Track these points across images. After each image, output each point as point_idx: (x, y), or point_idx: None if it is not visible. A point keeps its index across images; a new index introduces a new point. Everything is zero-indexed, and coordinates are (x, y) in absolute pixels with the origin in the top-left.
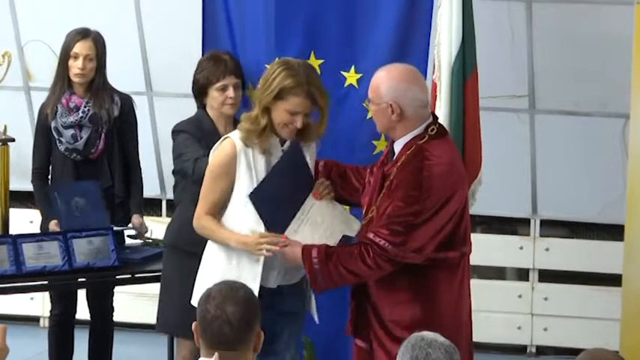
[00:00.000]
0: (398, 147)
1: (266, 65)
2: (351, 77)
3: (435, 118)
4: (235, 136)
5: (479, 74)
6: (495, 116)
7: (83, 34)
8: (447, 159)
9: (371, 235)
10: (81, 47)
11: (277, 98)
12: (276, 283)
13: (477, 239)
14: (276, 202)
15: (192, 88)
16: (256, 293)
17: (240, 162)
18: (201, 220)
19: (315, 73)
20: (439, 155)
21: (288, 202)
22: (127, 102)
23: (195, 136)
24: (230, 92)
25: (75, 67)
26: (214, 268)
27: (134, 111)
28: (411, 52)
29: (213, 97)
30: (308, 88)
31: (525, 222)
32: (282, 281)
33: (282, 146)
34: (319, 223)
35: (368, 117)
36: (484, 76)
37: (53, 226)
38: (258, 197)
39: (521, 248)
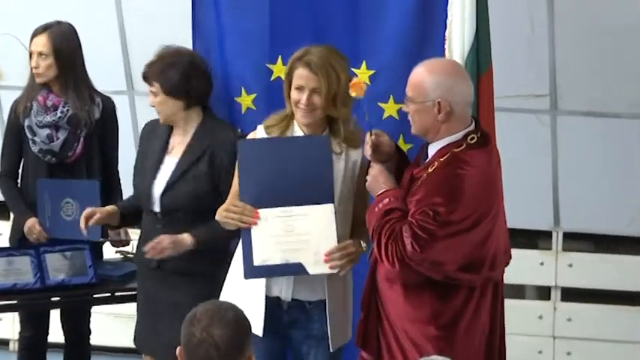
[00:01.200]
0: (432, 150)
1: (267, 65)
2: (363, 74)
3: (478, 124)
4: (260, 127)
5: (495, 71)
6: (512, 118)
7: (42, 28)
8: (482, 172)
9: (405, 227)
10: (35, 44)
11: (289, 80)
12: (288, 293)
13: None
14: (266, 171)
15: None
16: (262, 302)
17: None
18: (221, 211)
19: (327, 50)
20: (475, 166)
21: (280, 186)
22: (108, 104)
23: None
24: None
25: (31, 64)
26: (231, 272)
27: (116, 115)
28: (429, 44)
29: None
30: (309, 58)
31: (546, 235)
32: (299, 295)
33: None
34: (295, 234)
35: (384, 117)
36: (500, 72)
37: (31, 225)
38: (247, 148)
39: (541, 264)
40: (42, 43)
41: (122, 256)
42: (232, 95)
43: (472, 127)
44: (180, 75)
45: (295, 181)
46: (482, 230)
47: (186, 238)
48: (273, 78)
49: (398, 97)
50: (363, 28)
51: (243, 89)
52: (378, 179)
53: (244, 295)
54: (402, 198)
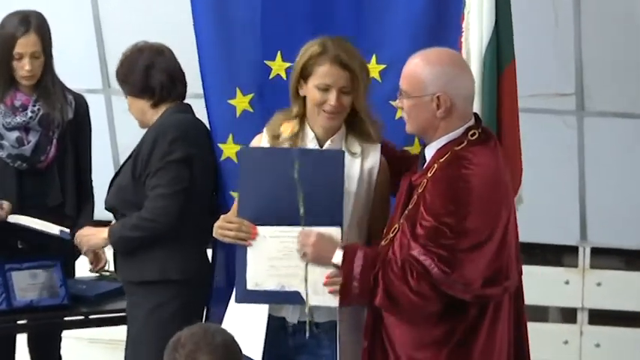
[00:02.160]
0: (430, 152)
1: (265, 62)
2: (373, 69)
3: (478, 119)
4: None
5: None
6: (534, 119)
7: (25, 26)
8: (489, 169)
9: (415, 252)
10: (25, 45)
11: (304, 76)
12: (295, 314)
13: None
14: (268, 185)
15: None
16: (264, 322)
17: None
18: (216, 227)
19: (347, 42)
20: (480, 164)
21: (283, 202)
22: (81, 103)
23: None
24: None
25: (21, 68)
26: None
27: (89, 114)
28: (445, 36)
29: None
30: (335, 52)
31: (572, 250)
32: (304, 316)
33: (320, 147)
34: (293, 257)
35: (397, 117)
36: (521, 70)
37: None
38: (248, 158)
39: (566, 283)
40: (33, 42)
41: (98, 274)
42: (225, 97)
43: (472, 122)
44: (140, 73)
45: (301, 199)
46: (498, 235)
47: (98, 232)
48: (271, 76)
49: None
50: (371, 18)
51: (237, 90)
52: (322, 246)
53: (246, 314)
54: (360, 247)
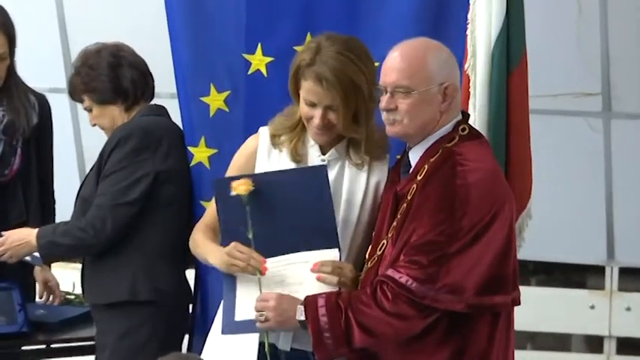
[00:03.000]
0: (416, 155)
1: (243, 55)
2: None
3: (465, 115)
4: (265, 129)
5: (530, 64)
6: (555, 122)
7: None
8: (486, 164)
9: (389, 272)
10: None
11: (296, 84)
12: (287, 340)
13: (532, 294)
14: (250, 215)
15: None
16: (254, 350)
17: (259, 162)
18: (194, 234)
19: (343, 53)
20: (475, 159)
21: (271, 231)
22: (44, 104)
23: None
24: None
25: None
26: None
27: (51, 116)
28: (446, 29)
29: None
30: (320, 69)
31: (598, 271)
32: (300, 343)
33: (322, 155)
34: (286, 284)
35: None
36: (540, 66)
37: None
38: (224, 189)
39: (592, 307)
40: (1, 43)
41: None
42: (197, 94)
43: (460, 115)
44: (107, 75)
45: (288, 225)
46: (496, 234)
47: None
48: (250, 71)
49: None
50: (365, 9)
51: (212, 86)
52: (283, 306)
53: (234, 342)
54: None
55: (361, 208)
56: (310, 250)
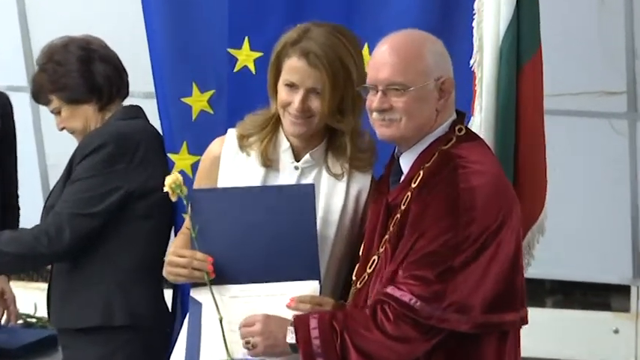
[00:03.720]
0: (408, 161)
1: (228, 51)
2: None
3: (459, 114)
4: (232, 131)
5: (545, 59)
6: (575, 124)
7: None
8: (490, 167)
9: (389, 289)
10: None
11: (277, 69)
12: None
13: (548, 317)
14: (226, 234)
15: None
16: None
17: (223, 168)
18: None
19: (334, 34)
20: (477, 161)
21: (247, 254)
22: (6, 104)
23: None
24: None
25: None
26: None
27: (14, 118)
28: (451, 20)
29: None
30: (308, 43)
31: (623, 291)
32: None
33: (296, 161)
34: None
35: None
36: (556, 62)
37: None
38: (202, 201)
39: (616, 332)
40: None
41: (22, 321)
42: (178, 95)
43: (454, 115)
44: (78, 71)
45: (264, 248)
46: (503, 243)
47: None
48: (237, 68)
49: None
50: (364, 3)
51: (194, 85)
52: (271, 330)
53: None
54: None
55: (339, 222)
56: (287, 280)
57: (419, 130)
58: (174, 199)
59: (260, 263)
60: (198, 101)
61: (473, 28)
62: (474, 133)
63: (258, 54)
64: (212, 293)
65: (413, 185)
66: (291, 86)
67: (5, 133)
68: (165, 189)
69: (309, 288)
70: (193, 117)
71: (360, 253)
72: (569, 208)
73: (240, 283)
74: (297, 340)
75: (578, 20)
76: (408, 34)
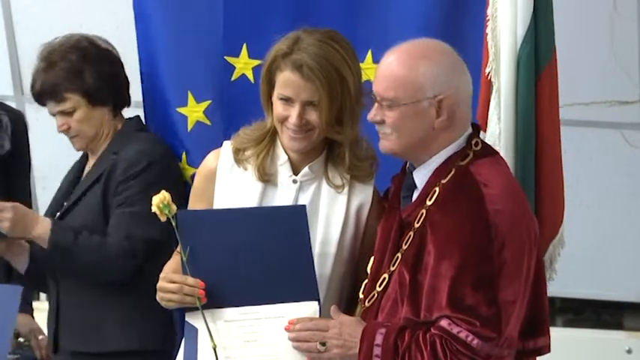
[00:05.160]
0: (423, 175)
1: (225, 58)
2: (368, 69)
3: (475, 128)
4: (228, 144)
5: (560, 68)
6: (587, 134)
7: None
8: (511, 185)
9: (444, 323)
10: None
11: (270, 82)
12: None
13: (558, 337)
14: (218, 256)
15: None
16: None
17: (219, 182)
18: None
19: (326, 42)
20: (497, 180)
21: (241, 276)
22: (20, 123)
23: None
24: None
25: None
26: None
27: (28, 138)
28: (460, 27)
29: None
30: (300, 55)
31: (637, 309)
32: None
33: (294, 175)
34: (259, 345)
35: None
36: (567, 71)
37: None
38: (189, 223)
39: (629, 352)
40: None
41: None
42: (173, 105)
43: (470, 129)
44: (94, 71)
45: (262, 270)
46: (533, 264)
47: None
48: (234, 77)
49: None
50: (364, 3)
51: (190, 95)
52: (348, 332)
53: None
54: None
55: (340, 238)
56: (285, 301)
57: (413, 147)
58: (163, 219)
59: (256, 285)
60: (193, 111)
61: (484, 34)
62: (490, 147)
63: (256, 62)
64: (205, 320)
65: (428, 202)
66: (287, 100)
67: (19, 152)
68: (153, 209)
69: (309, 309)
70: (189, 128)
71: (369, 270)
72: (582, 223)
73: (236, 306)
74: (359, 351)
75: (590, 27)
76: (413, 47)
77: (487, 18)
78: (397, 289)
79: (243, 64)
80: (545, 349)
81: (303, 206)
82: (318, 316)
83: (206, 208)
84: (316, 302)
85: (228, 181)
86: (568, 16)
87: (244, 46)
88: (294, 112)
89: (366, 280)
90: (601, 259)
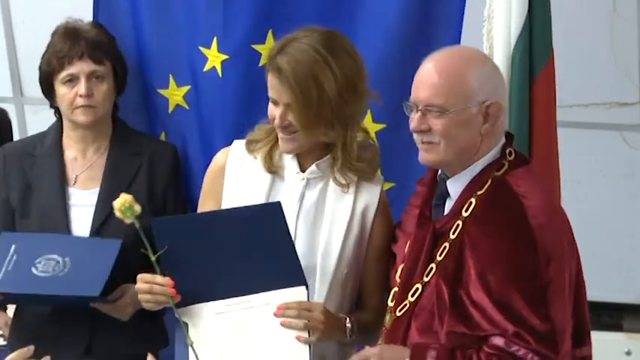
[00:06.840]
0: (457, 186)
1: (200, 48)
2: None
3: (509, 136)
4: (236, 143)
5: (557, 68)
6: (584, 136)
7: None
8: (548, 196)
9: (499, 342)
10: None
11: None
12: None
13: None
14: (199, 259)
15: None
16: None
17: (228, 177)
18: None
19: (314, 45)
20: (535, 191)
21: (225, 273)
22: (3, 119)
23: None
24: (81, 87)
25: None
26: None
27: (12, 133)
28: (441, 32)
29: (60, 95)
30: (279, 59)
31: (636, 311)
32: None
33: (302, 172)
34: (248, 333)
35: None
36: (566, 72)
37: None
38: (165, 231)
39: (628, 354)
40: None
41: None
42: (154, 86)
43: (503, 138)
44: (123, 61)
45: (245, 264)
46: (575, 275)
47: None
48: (207, 68)
49: (379, 113)
50: (341, 6)
51: (171, 78)
52: (391, 349)
53: None
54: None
55: (345, 236)
56: (272, 289)
57: (460, 155)
58: (128, 222)
59: (241, 280)
60: (174, 95)
61: (482, 36)
62: (523, 155)
63: (224, 57)
64: (179, 318)
65: (464, 214)
66: (273, 101)
67: None
68: (116, 214)
69: (296, 294)
70: (170, 109)
71: (398, 278)
72: (580, 225)
73: (223, 299)
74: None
75: (590, 28)
76: (455, 53)
77: (484, 19)
78: (434, 302)
79: (214, 57)
80: (589, 358)
81: (279, 202)
82: (306, 299)
83: (182, 214)
84: (304, 287)
85: (237, 176)
86: (567, 16)
87: (215, 39)
88: (277, 114)
89: (396, 288)
90: (601, 261)
